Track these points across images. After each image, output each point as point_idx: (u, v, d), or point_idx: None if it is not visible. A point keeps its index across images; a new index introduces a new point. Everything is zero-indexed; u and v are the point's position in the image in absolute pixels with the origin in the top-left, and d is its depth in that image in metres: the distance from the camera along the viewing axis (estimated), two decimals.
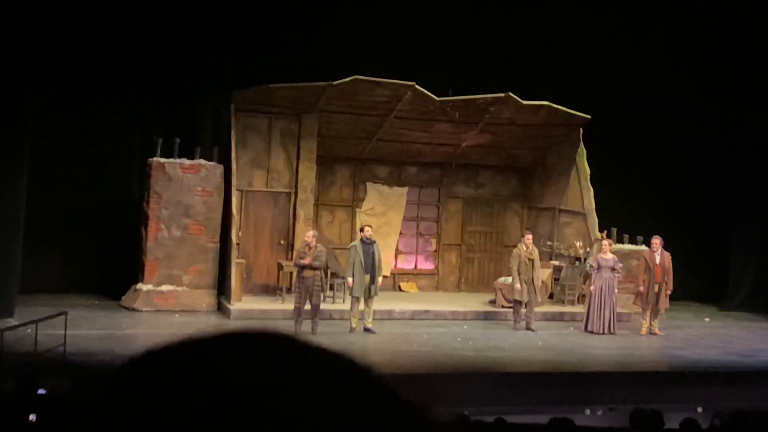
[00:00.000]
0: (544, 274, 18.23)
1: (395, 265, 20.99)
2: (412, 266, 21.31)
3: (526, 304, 17.14)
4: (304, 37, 19.14)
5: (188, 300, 17.50)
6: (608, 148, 20.41)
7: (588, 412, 11.74)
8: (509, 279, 19.04)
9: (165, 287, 17.49)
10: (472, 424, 7.58)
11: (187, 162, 17.76)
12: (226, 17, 18.94)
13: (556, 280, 19.40)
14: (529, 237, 17.51)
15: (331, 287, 18.33)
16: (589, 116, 19.55)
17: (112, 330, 15.32)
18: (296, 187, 19.00)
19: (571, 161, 20.18)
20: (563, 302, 19.40)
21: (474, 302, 19.23)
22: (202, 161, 17.89)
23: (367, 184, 20.78)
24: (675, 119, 21.26)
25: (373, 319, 16.15)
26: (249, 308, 17.22)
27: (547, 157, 20.95)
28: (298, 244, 17.45)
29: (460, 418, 7.47)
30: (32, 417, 6.54)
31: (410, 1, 19.45)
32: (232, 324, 16.61)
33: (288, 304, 16.37)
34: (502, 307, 18.57)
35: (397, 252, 21.04)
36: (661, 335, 17.14)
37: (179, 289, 17.53)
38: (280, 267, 18.42)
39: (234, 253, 17.47)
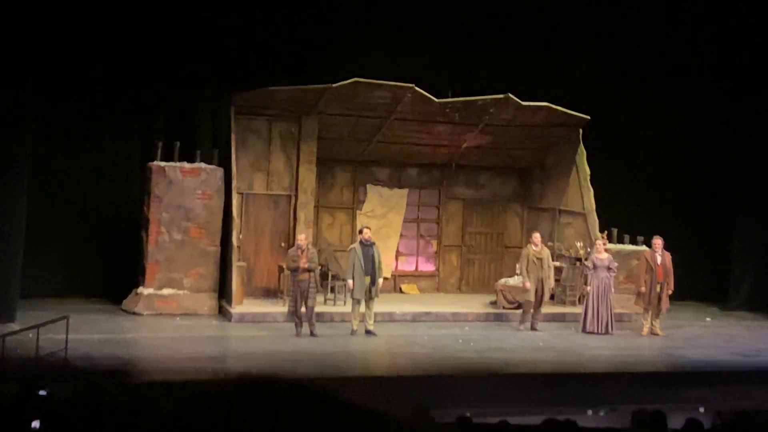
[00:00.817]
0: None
1: (396, 267, 20.99)
2: (413, 268, 21.30)
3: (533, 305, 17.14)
4: (303, 40, 19.14)
5: (189, 303, 17.50)
6: (608, 148, 20.41)
7: (590, 412, 11.73)
8: (510, 280, 19.06)
9: (166, 291, 17.50)
10: (474, 425, 7.58)
11: (187, 165, 17.77)
12: (225, 20, 18.93)
13: (557, 280, 19.41)
14: (537, 236, 17.50)
15: (332, 289, 18.34)
16: (588, 117, 19.55)
17: (114, 334, 15.32)
18: (296, 190, 19.00)
19: (571, 162, 20.19)
20: (564, 303, 19.42)
21: (475, 304, 19.23)
22: (203, 164, 17.90)
23: (368, 186, 20.78)
24: (675, 119, 21.24)
25: (375, 321, 16.15)
26: (250, 311, 17.24)
27: (546, 158, 20.95)
28: None
29: (461, 419, 7.47)
30: (35, 424, 6.53)
31: (409, 2, 19.45)
32: (233, 326, 16.62)
33: None
34: (504, 308, 18.58)
35: (398, 254, 21.04)
36: (663, 335, 17.13)
37: (180, 292, 17.53)
38: (281, 270, 18.42)
39: (235, 256, 17.48)
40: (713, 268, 21.68)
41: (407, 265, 21.23)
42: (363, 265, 15.90)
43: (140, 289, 17.55)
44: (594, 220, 19.52)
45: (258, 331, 16.06)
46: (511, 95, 18.87)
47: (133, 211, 18.27)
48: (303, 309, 15.60)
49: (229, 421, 1.11)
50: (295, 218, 18.92)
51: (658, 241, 17.34)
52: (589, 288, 17.17)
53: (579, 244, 19.71)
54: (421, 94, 18.49)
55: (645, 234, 18.89)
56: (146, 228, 17.62)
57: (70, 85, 18.22)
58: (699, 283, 21.38)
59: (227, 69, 19.06)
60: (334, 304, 18.04)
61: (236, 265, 17.40)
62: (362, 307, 16.06)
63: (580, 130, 19.88)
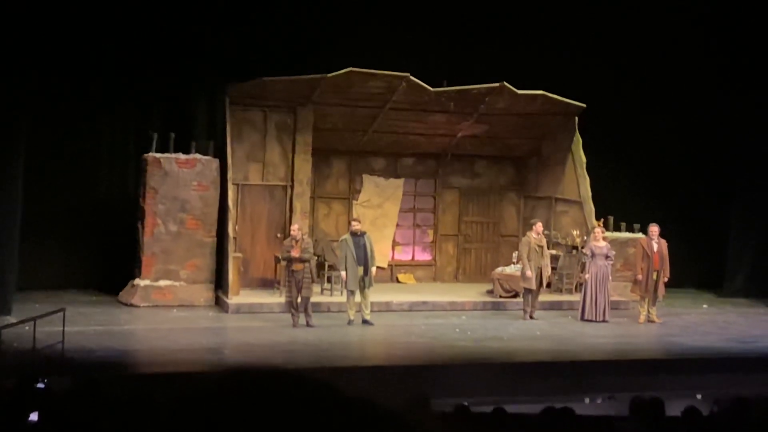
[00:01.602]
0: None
1: (393, 257, 20.98)
2: (410, 257, 21.30)
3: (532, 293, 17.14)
4: (297, 30, 19.11)
5: (186, 295, 17.50)
6: (604, 136, 20.40)
7: (587, 400, 11.75)
8: (507, 269, 19.06)
9: (162, 282, 17.49)
10: (472, 414, 7.58)
11: (182, 157, 17.75)
12: (220, 11, 18.90)
13: (554, 269, 19.41)
14: (539, 225, 17.45)
15: (329, 280, 18.35)
16: (584, 105, 19.54)
17: (111, 326, 15.32)
18: (292, 180, 18.99)
19: (566, 150, 20.18)
20: (561, 291, 19.43)
21: (472, 293, 19.24)
22: (198, 156, 17.88)
23: (363, 176, 20.77)
24: (671, 106, 21.23)
25: (371, 311, 16.15)
26: (246, 302, 17.23)
27: (542, 147, 20.94)
28: None
29: (459, 408, 7.47)
30: (33, 416, 6.53)
31: None
32: (229, 317, 16.62)
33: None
34: (500, 297, 18.58)
35: (395, 244, 21.03)
36: (660, 323, 17.15)
37: (177, 284, 17.52)
38: (277, 260, 18.40)
39: (231, 247, 17.47)
40: (709, 255, 21.68)
41: (404, 255, 21.23)
42: (355, 256, 15.89)
43: (137, 281, 17.54)
44: (590, 209, 19.51)
45: (254, 322, 16.06)
46: (506, 84, 18.85)
47: (129, 203, 18.27)
48: (299, 299, 15.60)
49: (226, 413, 1.11)
50: (291, 209, 18.90)
51: (654, 229, 17.32)
52: (586, 276, 17.17)
53: (575, 233, 19.70)
54: (416, 83, 18.47)
55: (641, 222, 18.89)
56: (142, 219, 17.61)
57: (66, 78, 18.19)
58: (695, 271, 21.40)
59: (222, 60, 19.02)
60: (331, 295, 18.04)
61: (232, 256, 17.39)
62: (358, 297, 16.06)
63: (576, 119, 19.87)
